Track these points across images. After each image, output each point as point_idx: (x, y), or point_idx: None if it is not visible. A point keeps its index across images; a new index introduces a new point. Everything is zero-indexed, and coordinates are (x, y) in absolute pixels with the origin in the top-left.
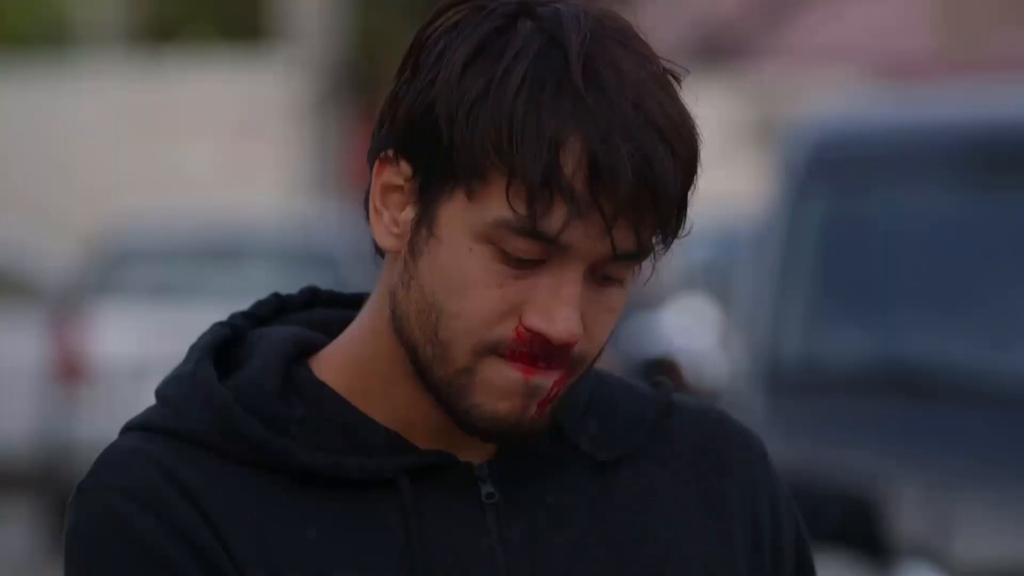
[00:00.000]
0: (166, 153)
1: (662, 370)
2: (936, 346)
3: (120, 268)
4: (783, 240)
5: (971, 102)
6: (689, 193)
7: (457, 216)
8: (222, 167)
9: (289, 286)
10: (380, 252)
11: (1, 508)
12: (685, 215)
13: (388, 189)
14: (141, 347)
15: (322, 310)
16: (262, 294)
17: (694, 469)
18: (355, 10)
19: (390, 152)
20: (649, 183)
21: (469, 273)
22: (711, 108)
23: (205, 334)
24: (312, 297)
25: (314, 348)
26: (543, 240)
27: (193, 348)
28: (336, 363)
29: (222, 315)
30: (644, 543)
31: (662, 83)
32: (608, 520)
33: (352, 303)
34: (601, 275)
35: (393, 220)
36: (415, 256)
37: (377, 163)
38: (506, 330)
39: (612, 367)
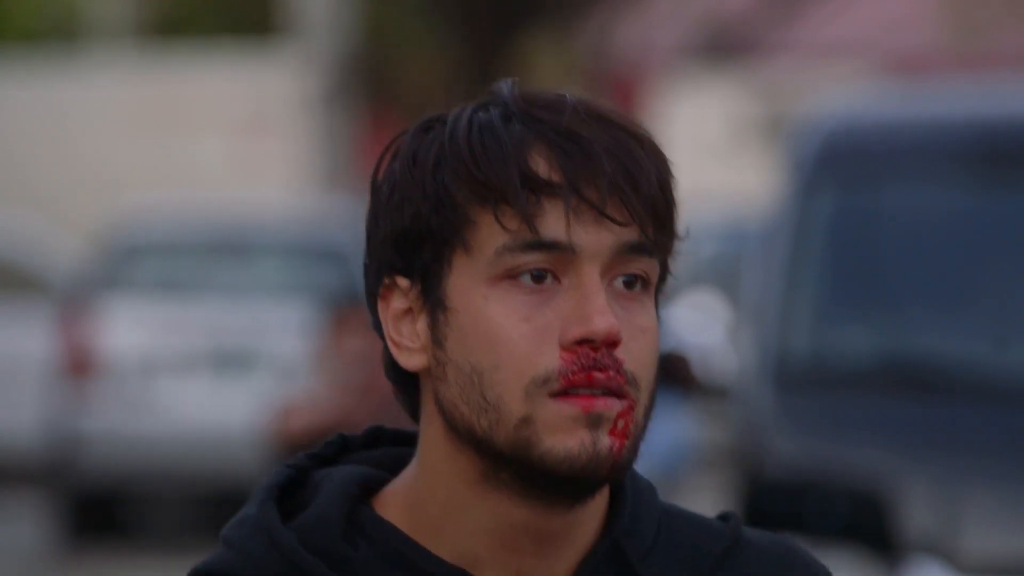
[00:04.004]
0: (175, 148)
1: (671, 365)
2: (944, 342)
3: (128, 263)
4: (791, 236)
5: (979, 98)
6: (669, 178)
7: (463, 277)
8: (230, 162)
9: (297, 281)
10: (414, 411)
11: (9, 502)
12: (674, 202)
13: (398, 317)
14: (149, 342)
15: (385, 448)
16: (270, 289)
17: None
18: (363, 5)
19: (385, 280)
20: (623, 162)
21: (493, 320)
22: (719, 104)
23: (269, 475)
24: (375, 436)
25: (377, 486)
26: (547, 247)
27: (257, 489)
28: (398, 501)
29: (230, 310)
30: None
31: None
32: None
33: (415, 440)
34: (619, 279)
35: (413, 337)
36: (442, 345)
37: (380, 303)
38: (550, 360)
39: None
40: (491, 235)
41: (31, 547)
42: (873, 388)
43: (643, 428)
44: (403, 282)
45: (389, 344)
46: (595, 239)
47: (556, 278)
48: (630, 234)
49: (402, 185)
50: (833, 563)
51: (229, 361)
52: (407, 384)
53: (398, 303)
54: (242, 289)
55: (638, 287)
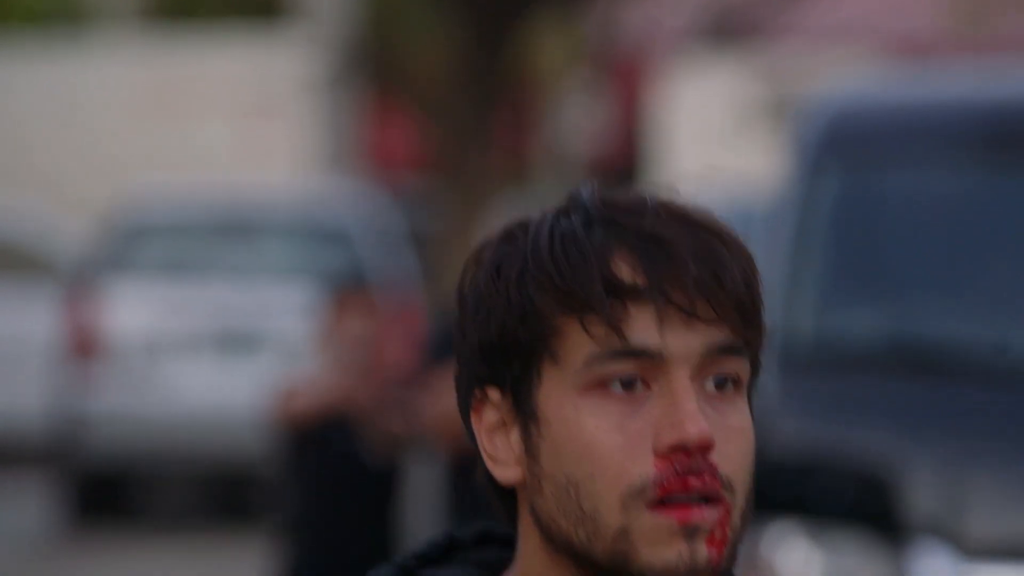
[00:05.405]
0: (180, 131)
1: None
2: (948, 324)
3: (134, 244)
4: (796, 219)
5: (983, 81)
6: (754, 275)
7: (553, 388)
8: (236, 145)
9: (302, 263)
10: (512, 522)
11: (15, 483)
12: (761, 299)
13: (492, 430)
14: (154, 323)
15: (492, 549)
16: (275, 271)
17: None
18: None
19: (476, 392)
20: (708, 262)
21: (586, 431)
22: (724, 87)
23: (374, 573)
24: (483, 536)
25: None
26: (636, 353)
27: None
28: None
29: (235, 291)
30: None
31: (675, 200)
32: None
33: None
34: (710, 380)
35: (507, 450)
36: (536, 457)
37: (472, 416)
38: (645, 468)
39: None
40: (579, 344)
41: (36, 528)
42: (877, 370)
43: (740, 531)
44: (494, 394)
45: (485, 458)
46: (683, 343)
47: (646, 384)
48: (718, 335)
49: (487, 297)
50: (837, 545)
51: (234, 342)
52: (504, 496)
53: (491, 415)
54: (247, 271)
55: (729, 387)
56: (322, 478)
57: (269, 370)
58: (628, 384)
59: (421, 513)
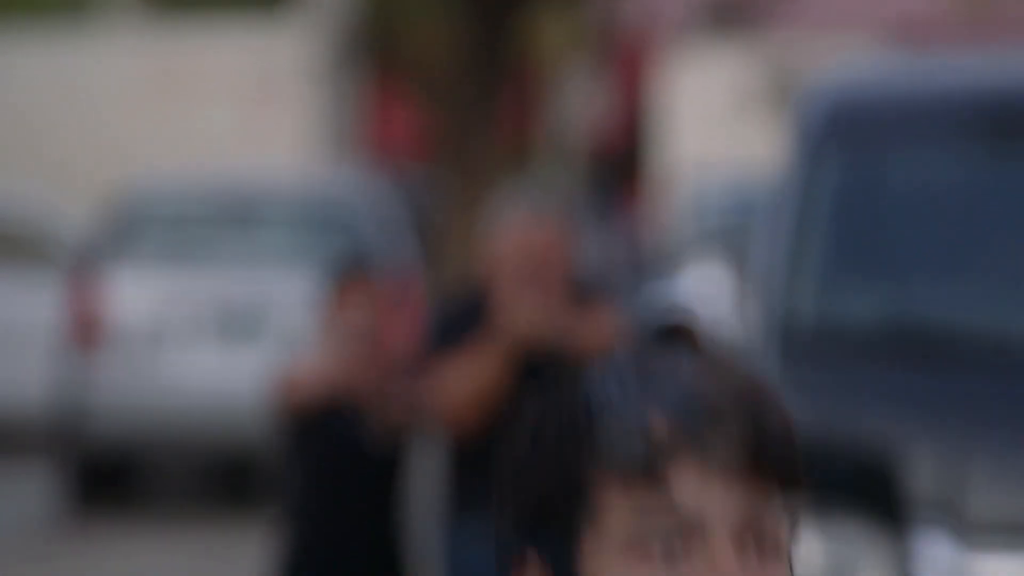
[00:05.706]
0: (184, 116)
1: (678, 336)
2: (950, 309)
3: (137, 231)
4: (797, 204)
5: (986, 66)
6: (792, 431)
7: (593, 551)
8: (239, 131)
9: (304, 249)
10: None
11: (18, 470)
12: (800, 455)
13: None
14: (157, 310)
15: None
16: (277, 257)
17: None
18: None
19: (516, 556)
20: (746, 420)
21: None
22: (725, 74)
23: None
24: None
25: None
26: (675, 515)
27: None
28: None
29: (237, 278)
30: None
31: (713, 357)
32: None
33: None
34: (751, 538)
35: None
36: None
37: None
38: None
39: (623, 331)
40: (618, 505)
41: (39, 515)
42: (879, 355)
43: None
44: (534, 558)
45: None
46: (724, 501)
47: (686, 544)
48: (759, 494)
49: (526, 463)
50: (838, 531)
51: (236, 329)
52: None
53: None
54: (249, 257)
55: (769, 543)
56: (324, 465)
57: (271, 357)
58: (668, 546)
59: (423, 500)
